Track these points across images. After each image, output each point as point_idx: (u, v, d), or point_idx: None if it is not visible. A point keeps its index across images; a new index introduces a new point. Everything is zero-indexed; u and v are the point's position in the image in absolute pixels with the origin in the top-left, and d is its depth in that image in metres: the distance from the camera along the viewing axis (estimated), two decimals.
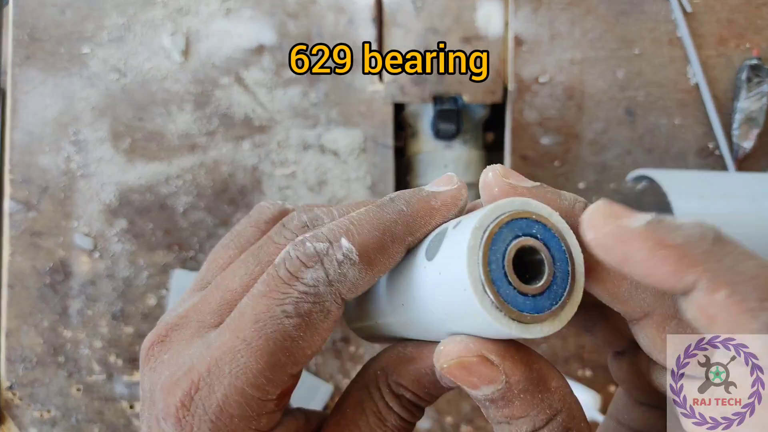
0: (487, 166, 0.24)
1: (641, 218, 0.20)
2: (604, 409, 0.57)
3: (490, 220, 0.21)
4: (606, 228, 0.20)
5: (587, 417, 0.23)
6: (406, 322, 0.25)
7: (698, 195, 0.49)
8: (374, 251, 0.24)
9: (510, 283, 0.21)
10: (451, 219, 0.24)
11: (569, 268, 0.22)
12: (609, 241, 0.20)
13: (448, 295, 0.22)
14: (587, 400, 0.56)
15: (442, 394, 0.26)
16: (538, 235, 0.22)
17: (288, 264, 0.24)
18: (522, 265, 0.22)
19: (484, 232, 0.21)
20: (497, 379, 0.22)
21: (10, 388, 0.58)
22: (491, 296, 0.21)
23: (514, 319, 0.21)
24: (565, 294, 0.21)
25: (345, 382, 0.58)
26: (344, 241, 0.24)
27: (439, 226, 0.24)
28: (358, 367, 0.50)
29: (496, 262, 0.21)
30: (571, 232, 0.22)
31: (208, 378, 0.24)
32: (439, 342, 0.23)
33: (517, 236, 0.21)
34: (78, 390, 0.58)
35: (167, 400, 0.24)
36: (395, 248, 0.24)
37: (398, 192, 0.26)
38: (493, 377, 0.22)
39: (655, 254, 0.20)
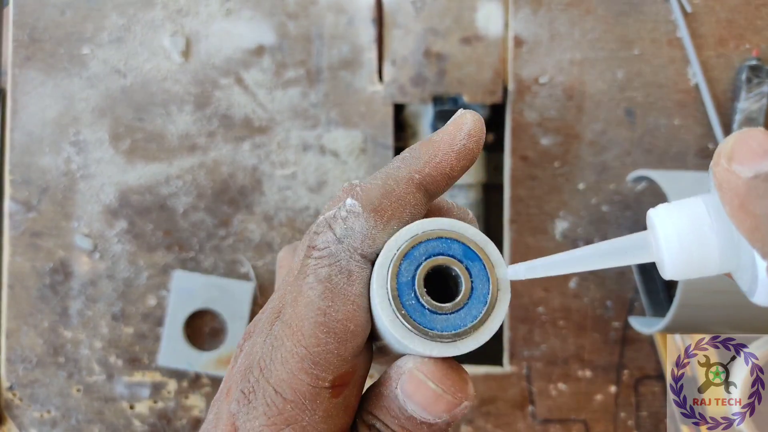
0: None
1: None
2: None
3: (401, 242, 0.22)
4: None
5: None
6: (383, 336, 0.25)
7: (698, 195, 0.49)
8: (378, 198, 0.23)
9: (421, 304, 0.21)
10: (456, 149, 0.24)
11: (489, 283, 0.21)
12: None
13: (376, 316, 0.22)
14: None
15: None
16: (455, 254, 0.22)
17: (307, 241, 0.24)
18: (444, 284, 0.22)
19: (394, 256, 0.21)
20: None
21: (10, 388, 0.58)
22: (401, 318, 0.21)
23: (430, 339, 0.21)
24: (485, 309, 0.21)
25: None
26: (348, 200, 0.23)
27: (445, 159, 0.24)
28: None
29: (406, 282, 0.21)
30: (490, 243, 0.22)
31: (267, 362, 0.23)
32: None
33: (431, 256, 0.22)
34: (78, 390, 0.58)
35: (237, 384, 0.24)
36: (403, 189, 0.23)
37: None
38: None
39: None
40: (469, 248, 0.22)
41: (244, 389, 0.24)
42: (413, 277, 0.21)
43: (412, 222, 0.23)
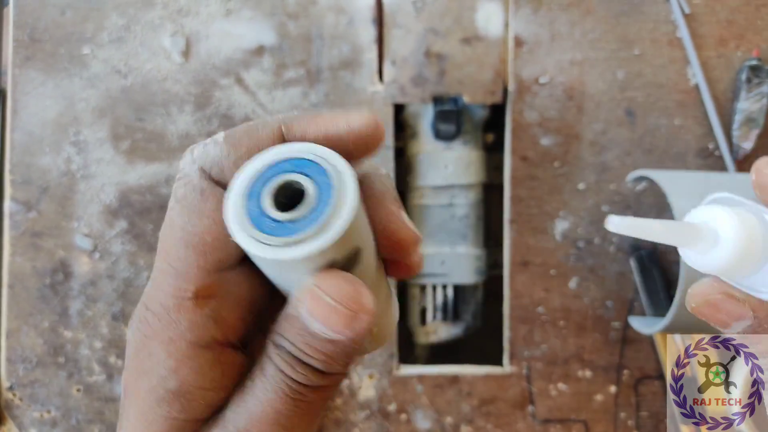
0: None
1: None
2: None
3: (258, 163, 0.23)
4: None
5: None
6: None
7: (698, 195, 0.49)
8: (240, 132, 0.25)
9: (266, 215, 0.22)
10: (330, 135, 0.25)
11: (333, 188, 0.23)
12: None
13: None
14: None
15: (346, 352, 0.24)
16: (304, 171, 0.23)
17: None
18: (286, 198, 0.23)
19: (245, 177, 0.23)
20: (746, 315, 0.23)
21: (11, 388, 0.58)
22: (247, 225, 0.22)
23: (270, 245, 0.22)
24: (327, 214, 0.22)
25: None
26: (217, 135, 0.25)
27: (315, 130, 0.25)
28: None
29: (254, 199, 0.23)
30: (336, 155, 0.23)
31: (145, 291, 0.26)
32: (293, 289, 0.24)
33: (281, 173, 0.23)
34: (78, 390, 0.58)
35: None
36: (263, 131, 0.25)
37: None
38: (741, 314, 0.24)
39: None
40: (315, 163, 0.23)
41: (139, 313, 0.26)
42: (259, 192, 0.23)
43: None
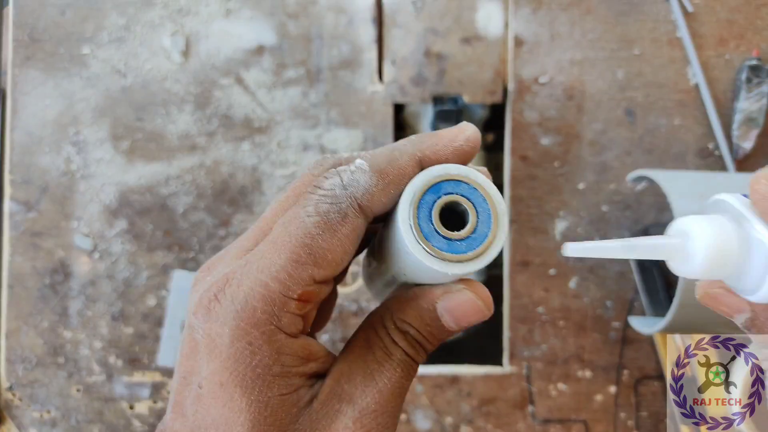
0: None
1: None
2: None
3: (421, 183, 0.27)
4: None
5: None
6: (404, 270, 0.29)
7: (698, 195, 0.49)
8: (384, 162, 0.27)
9: (437, 232, 0.26)
10: (455, 146, 0.28)
11: (491, 217, 0.27)
12: None
13: (401, 245, 0.27)
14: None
15: (445, 338, 0.29)
16: (463, 193, 0.27)
17: (310, 179, 0.28)
18: (454, 218, 0.27)
19: (414, 194, 0.27)
20: (744, 309, 0.26)
21: (10, 388, 0.58)
22: (422, 244, 0.26)
23: (445, 260, 0.26)
24: (489, 235, 0.27)
25: None
26: (358, 160, 0.27)
27: (444, 148, 0.28)
28: None
29: (425, 216, 0.26)
30: (491, 184, 0.27)
31: (239, 275, 0.26)
32: (431, 284, 0.28)
33: (444, 194, 0.27)
34: (78, 390, 0.58)
35: (201, 296, 0.27)
36: (404, 160, 0.27)
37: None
38: (739, 307, 0.26)
39: None
40: (475, 188, 0.27)
41: (208, 302, 0.26)
42: (430, 211, 0.27)
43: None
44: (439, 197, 0.27)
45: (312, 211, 0.26)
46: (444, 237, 0.26)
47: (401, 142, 0.29)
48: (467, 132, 0.29)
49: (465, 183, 0.27)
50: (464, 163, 0.28)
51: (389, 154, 0.28)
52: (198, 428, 0.26)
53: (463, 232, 0.27)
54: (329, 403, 0.27)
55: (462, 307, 0.28)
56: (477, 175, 0.27)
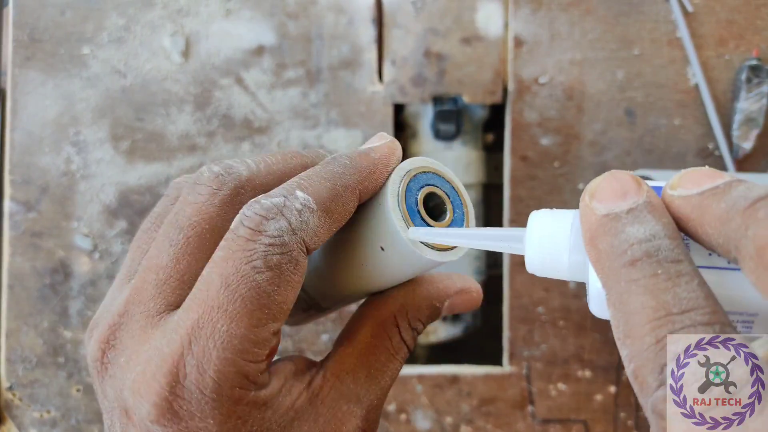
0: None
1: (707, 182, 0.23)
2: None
3: (403, 173, 0.27)
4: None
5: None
6: (374, 270, 0.29)
7: None
8: (329, 199, 0.25)
9: (424, 221, 0.27)
10: (388, 170, 0.29)
11: (464, 210, 0.28)
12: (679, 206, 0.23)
13: (389, 239, 0.27)
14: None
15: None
16: (438, 185, 0.28)
17: (247, 222, 0.24)
18: (429, 208, 0.28)
19: (400, 185, 0.27)
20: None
21: (10, 388, 0.58)
22: (405, 226, 0.26)
23: (433, 248, 0.27)
24: (464, 223, 0.28)
25: None
26: (299, 192, 0.25)
27: (380, 175, 0.28)
28: None
29: (411, 205, 0.27)
30: (460, 182, 0.29)
31: (192, 359, 0.23)
32: (430, 281, 0.30)
33: (424, 186, 0.28)
34: (78, 390, 0.58)
35: (149, 398, 0.23)
36: (348, 196, 0.26)
37: (337, 152, 0.28)
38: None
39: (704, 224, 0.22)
40: (446, 181, 0.28)
41: (169, 404, 0.23)
42: (416, 201, 0.27)
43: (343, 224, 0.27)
44: (421, 188, 0.28)
45: (261, 266, 0.23)
46: (430, 227, 0.27)
47: (337, 167, 0.26)
48: (398, 151, 0.28)
49: (437, 175, 0.28)
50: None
51: (332, 188, 0.26)
52: None
53: (445, 222, 0.28)
54: (336, 405, 0.27)
55: (469, 302, 0.30)
56: (445, 167, 0.29)
